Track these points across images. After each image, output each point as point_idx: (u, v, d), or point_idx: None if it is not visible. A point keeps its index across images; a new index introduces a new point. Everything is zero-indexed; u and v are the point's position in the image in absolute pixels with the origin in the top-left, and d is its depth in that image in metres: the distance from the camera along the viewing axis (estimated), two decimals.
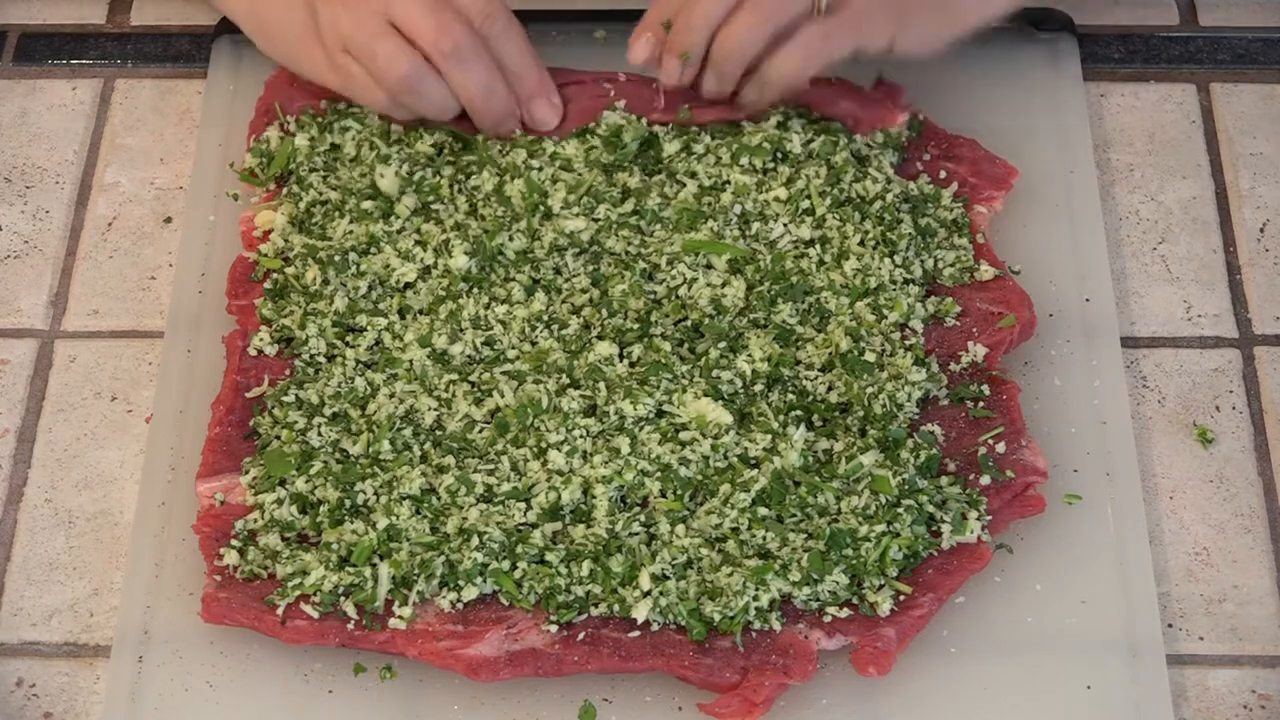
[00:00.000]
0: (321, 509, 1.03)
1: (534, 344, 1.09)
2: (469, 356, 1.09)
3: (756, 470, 1.04)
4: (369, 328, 1.10)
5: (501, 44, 1.15)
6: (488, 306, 1.10)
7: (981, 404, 1.08)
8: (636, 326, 1.09)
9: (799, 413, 1.06)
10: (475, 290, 1.11)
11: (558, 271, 1.12)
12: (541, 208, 1.13)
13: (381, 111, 1.17)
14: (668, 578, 1.01)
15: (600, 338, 1.09)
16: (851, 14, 1.10)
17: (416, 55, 1.12)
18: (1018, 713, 0.99)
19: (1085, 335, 1.13)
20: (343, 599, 1.00)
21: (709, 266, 1.11)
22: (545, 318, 1.10)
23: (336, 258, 1.12)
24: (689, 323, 1.09)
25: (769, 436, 1.05)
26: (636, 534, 1.03)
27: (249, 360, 1.10)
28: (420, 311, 1.11)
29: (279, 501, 1.04)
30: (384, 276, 1.12)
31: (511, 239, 1.12)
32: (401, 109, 1.16)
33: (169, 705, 1.00)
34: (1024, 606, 1.03)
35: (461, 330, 1.09)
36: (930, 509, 1.03)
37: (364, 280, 1.11)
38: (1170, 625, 1.04)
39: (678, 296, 1.10)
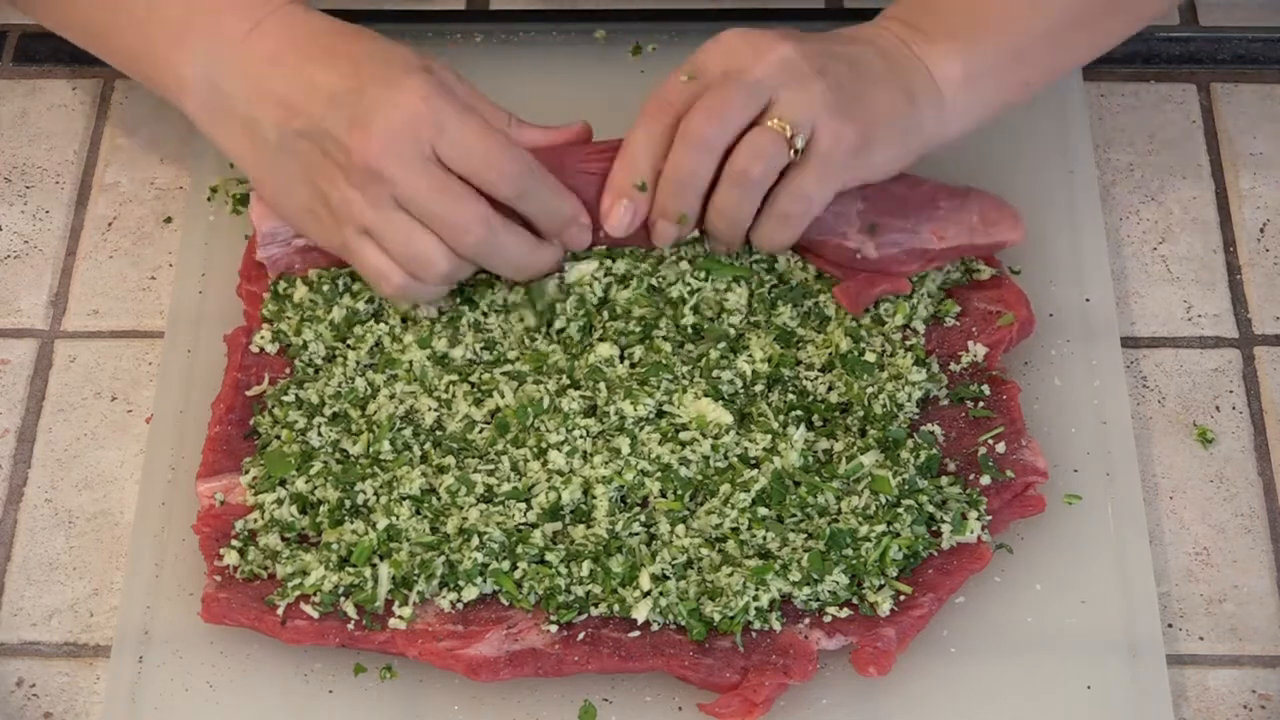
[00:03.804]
0: (321, 509, 1.03)
1: (534, 348, 1.09)
2: (469, 359, 1.09)
3: (756, 470, 1.04)
4: (368, 334, 1.10)
5: (526, 203, 1.05)
6: (486, 314, 1.10)
7: (981, 404, 1.08)
8: (638, 330, 1.09)
9: (799, 413, 1.06)
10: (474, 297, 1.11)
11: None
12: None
13: (390, 295, 1.07)
14: (668, 578, 1.01)
15: (601, 340, 1.09)
16: (831, 150, 1.04)
17: (453, 254, 1.04)
18: (1018, 713, 0.99)
19: (1085, 335, 1.13)
20: (343, 599, 1.00)
21: (709, 275, 1.11)
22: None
23: (325, 287, 1.11)
24: (690, 324, 1.09)
25: (769, 436, 1.05)
26: (636, 534, 1.03)
27: (250, 358, 1.10)
28: (416, 321, 1.10)
29: (279, 501, 1.04)
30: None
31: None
32: (425, 295, 1.07)
33: (169, 705, 1.00)
34: (1024, 606, 1.03)
35: (461, 335, 1.09)
36: (930, 509, 1.03)
37: (359, 300, 1.11)
38: (1170, 625, 1.04)
39: (681, 300, 1.10)
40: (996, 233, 1.11)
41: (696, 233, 1.08)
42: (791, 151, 1.03)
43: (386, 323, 1.10)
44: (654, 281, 1.11)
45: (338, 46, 1.05)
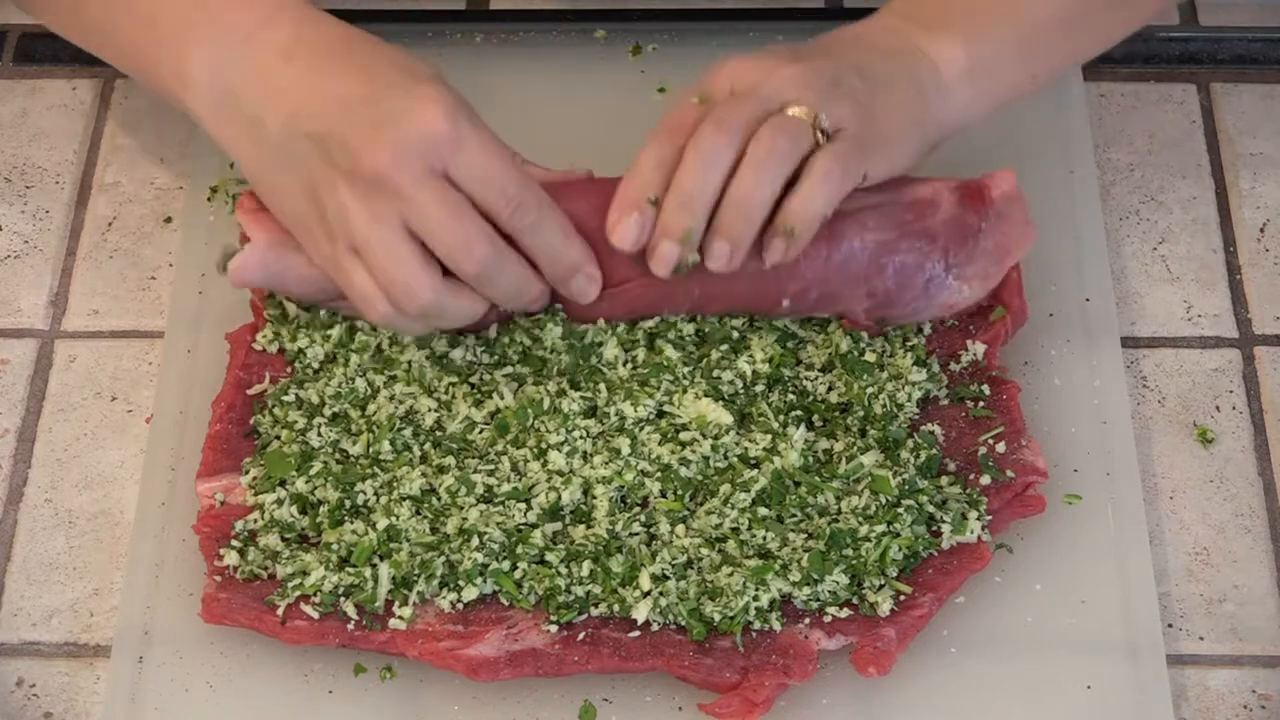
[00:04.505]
0: (321, 509, 1.03)
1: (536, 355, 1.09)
2: (469, 361, 1.09)
3: (756, 470, 1.04)
4: (370, 337, 1.09)
5: (534, 236, 1.01)
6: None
7: (981, 404, 1.08)
8: (642, 340, 1.09)
9: (799, 413, 1.06)
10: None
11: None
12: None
13: (378, 323, 1.03)
14: (668, 578, 1.01)
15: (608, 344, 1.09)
16: (855, 139, 1.01)
17: (438, 281, 1.00)
18: (1018, 713, 0.99)
19: (1085, 335, 1.13)
20: (343, 599, 1.01)
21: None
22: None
23: (322, 312, 1.11)
24: (691, 331, 1.09)
25: (769, 436, 1.05)
26: (637, 534, 1.03)
27: (253, 356, 1.10)
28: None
29: (279, 502, 1.04)
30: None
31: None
32: (410, 327, 1.04)
33: (169, 705, 1.00)
34: (1024, 606, 1.03)
35: (460, 339, 1.09)
36: (930, 509, 1.03)
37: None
38: (1170, 625, 1.04)
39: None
40: (1013, 256, 1.09)
41: (696, 256, 1.02)
42: (818, 133, 1.00)
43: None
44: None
45: (352, 49, 1.03)
